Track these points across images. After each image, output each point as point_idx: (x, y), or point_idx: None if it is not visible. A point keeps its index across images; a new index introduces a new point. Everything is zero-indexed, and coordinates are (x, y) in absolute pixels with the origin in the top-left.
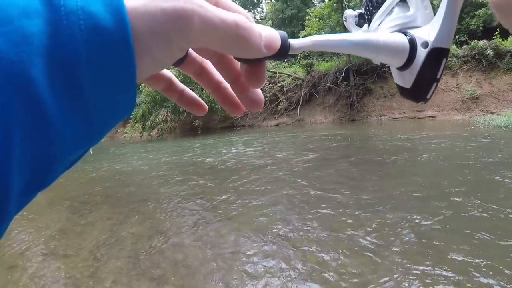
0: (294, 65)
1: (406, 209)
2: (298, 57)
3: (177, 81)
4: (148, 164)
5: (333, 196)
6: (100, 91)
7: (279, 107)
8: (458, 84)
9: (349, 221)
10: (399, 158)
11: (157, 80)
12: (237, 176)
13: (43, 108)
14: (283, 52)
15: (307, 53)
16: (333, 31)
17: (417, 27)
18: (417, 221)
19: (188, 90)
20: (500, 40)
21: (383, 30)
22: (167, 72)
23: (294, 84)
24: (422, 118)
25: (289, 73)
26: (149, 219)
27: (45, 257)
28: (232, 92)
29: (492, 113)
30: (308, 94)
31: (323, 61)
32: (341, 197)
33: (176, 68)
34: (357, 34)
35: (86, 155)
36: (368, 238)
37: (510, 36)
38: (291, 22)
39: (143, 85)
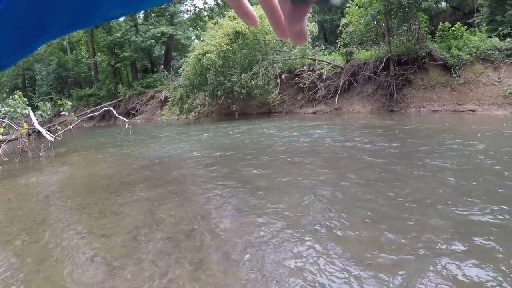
0: (333, 53)
1: None
2: (338, 45)
3: None
4: (186, 146)
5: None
6: None
7: (317, 94)
8: (500, 78)
9: None
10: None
11: None
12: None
13: None
14: None
15: (347, 41)
16: (374, 19)
17: None
18: None
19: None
20: None
21: None
22: None
23: (333, 72)
24: (462, 111)
25: (328, 61)
26: (188, 201)
27: (83, 236)
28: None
29: None
30: (347, 82)
31: (363, 50)
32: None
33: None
34: None
35: (125, 134)
36: None
37: None
38: (330, 9)
39: (181, 68)
